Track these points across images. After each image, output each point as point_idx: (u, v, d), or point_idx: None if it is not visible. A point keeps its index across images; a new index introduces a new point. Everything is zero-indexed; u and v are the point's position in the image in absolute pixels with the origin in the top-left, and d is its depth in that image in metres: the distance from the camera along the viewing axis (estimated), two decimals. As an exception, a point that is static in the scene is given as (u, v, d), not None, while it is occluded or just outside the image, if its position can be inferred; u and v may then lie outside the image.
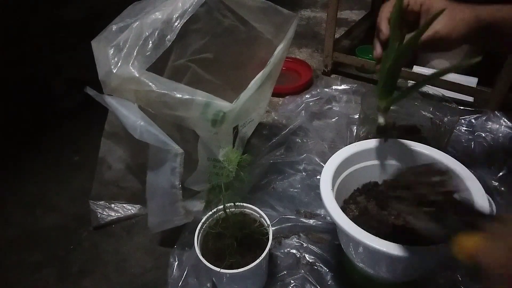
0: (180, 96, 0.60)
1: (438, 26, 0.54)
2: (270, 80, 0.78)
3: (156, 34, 0.62)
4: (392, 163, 0.64)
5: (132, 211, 0.80)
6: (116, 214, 0.79)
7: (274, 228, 0.73)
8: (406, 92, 0.62)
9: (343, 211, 0.51)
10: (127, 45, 0.61)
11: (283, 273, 0.66)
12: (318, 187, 0.55)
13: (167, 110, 0.62)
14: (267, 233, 0.60)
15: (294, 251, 0.70)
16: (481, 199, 0.52)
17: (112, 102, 0.62)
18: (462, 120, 0.96)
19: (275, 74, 0.80)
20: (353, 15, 1.70)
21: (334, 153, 0.62)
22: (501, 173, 0.81)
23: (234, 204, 0.60)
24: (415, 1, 0.58)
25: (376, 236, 0.47)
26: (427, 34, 0.54)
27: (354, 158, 0.62)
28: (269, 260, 0.66)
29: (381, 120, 0.61)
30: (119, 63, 0.60)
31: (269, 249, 0.58)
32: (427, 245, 0.45)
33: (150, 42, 0.62)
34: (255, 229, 0.61)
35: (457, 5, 0.56)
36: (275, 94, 1.09)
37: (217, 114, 0.64)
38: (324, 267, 0.66)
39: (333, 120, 1.02)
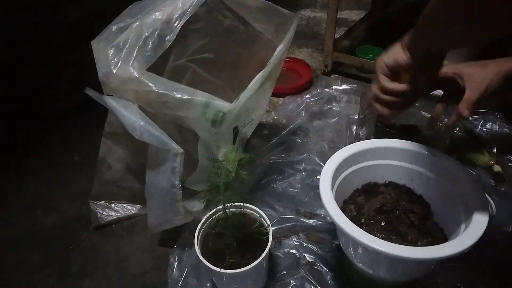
0: (180, 96, 0.60)
1: (475, 87, 0.58)
2: (270, 80, 0.78)
3: (156, 34, 0.62)
4: (392, 163, 0.64)
5: (132, 211, 0.80)
6: (116, 214, 0.79)
7: (274, 228, 0.73)
8: None
9: (342, 211, 0.51)
10: (127, 46, 0.61)
11: (283, 273, 0.66)
12: (318, 187, 0.55)
13: (167, 110, 0.62)
14: (267, 233, 0.60)
15: (294, 251, 0.70)
16: (480, 199, 0.52)
17: (112, 102, 0.62)
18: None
19: (275, 74, 0.80)
20: (353, 15, 1.70)
21: (334, 153, 0.62)
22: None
23: (234, 204, 0.60)
24: (445, 72, 0.63)
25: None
26: (474, 98, 0.58)
27: (353, 158, 0.62)
28: (269, 260, 0.66)
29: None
30: (119, 64, 0.60)
31: (269, 249, 0.58)
32: (426, 245, 0.45)
33: (150, 42, 0.62)
34: (255, 229, 0.61)
35: (483, 64, 0.60)
36: (275, 94, 1.09)
37: (217, 114, 0.64)
38: (324, 267, 0.66)
39: (333, 120, 1.02)
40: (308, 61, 1.31)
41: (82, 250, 0.74)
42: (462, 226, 0.52)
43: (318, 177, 0.57)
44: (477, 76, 0.58)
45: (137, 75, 0.59)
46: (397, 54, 0.56)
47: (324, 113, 1.05)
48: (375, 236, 0.50)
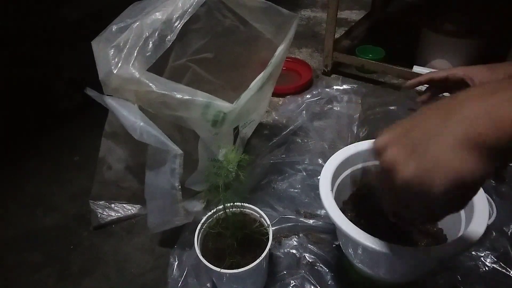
0: (180, 96, 0.60)
1: None
2: (270, 81, 0.78)
3: (156, 34, 0.62)
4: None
5: (132, 211, 0.80)
6: (116, 214, 0.79)
7: (274, 228, 0.73)
8: None
9: (342, 211, 0.51)
10: (127, 46, 0.61)
11: (283, 273, 0.66)
12: (318, 187, 0.55)
13: (167, 110, 0.62)
14: (267, 233, 0.60)
15: (294, 251, 0.70)
16: (480, 199, 0.52)
17: (112, 102, 0.62)
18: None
19: (275, 74, 0.80)
20: (353, 15, 1.70)
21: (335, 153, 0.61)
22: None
23: (234, 204, 0.60)
24: (454, 73, 0.62)
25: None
26: None
27: (354, 158, 0.62)
28: (269, 260, 0.66)
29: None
30: (119, 64, 0.60)
31: (269, 249, 0.58)
32: (426, 245, 0.45)
33: (150, 42, 0.62)
34: (255, 229, 0.61)
35: (492, 67, 0.60)
36: (276, 94, 1.09)
37: (217, 115, 0.64)
38: (324, 267, 0.66)
39: (334, 120, 1.02)
40: (308, 61, 1.31)
41: (82, 250, 0.74)
42: (462, 226, 0.52)
43: (318, 177, 0.57)
44: (487, 78, 0.58)
45: (137, 75, 0.59)
46: None
47: (324, 113, 1.05)
48: (375, 236, 0.50)
